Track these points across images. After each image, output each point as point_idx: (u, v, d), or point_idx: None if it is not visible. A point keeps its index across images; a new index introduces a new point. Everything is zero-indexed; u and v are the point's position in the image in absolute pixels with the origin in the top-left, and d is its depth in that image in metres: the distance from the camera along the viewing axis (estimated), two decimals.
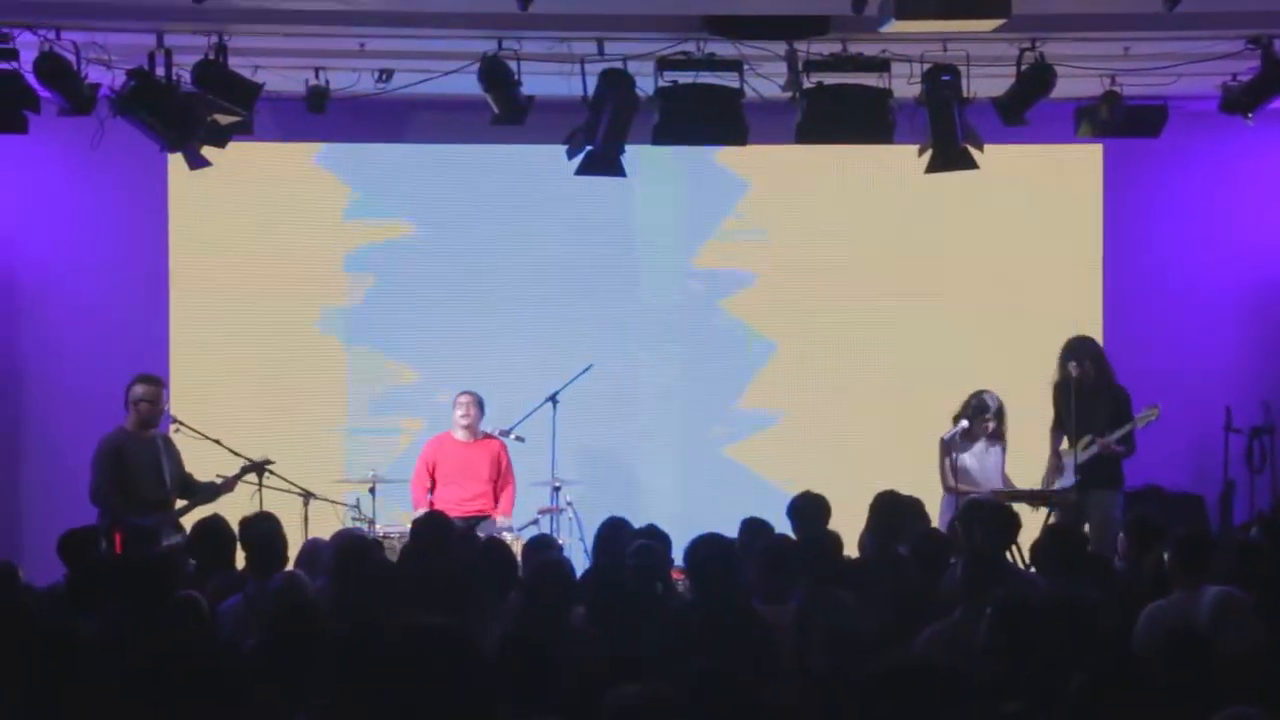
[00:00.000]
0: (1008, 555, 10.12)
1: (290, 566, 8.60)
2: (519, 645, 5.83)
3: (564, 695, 5.90)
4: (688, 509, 12.50)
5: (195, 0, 8.23)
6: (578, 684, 6.12)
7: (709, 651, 6.51)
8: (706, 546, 7.77)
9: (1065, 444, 11.49)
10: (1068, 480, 11.28)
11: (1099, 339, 12.62)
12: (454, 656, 4.84)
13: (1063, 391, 11.54)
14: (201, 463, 10.87)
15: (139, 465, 10.38)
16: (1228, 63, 10.43)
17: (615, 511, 9.41)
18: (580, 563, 10.95)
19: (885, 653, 6.20)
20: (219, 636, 7.53)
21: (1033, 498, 11.15)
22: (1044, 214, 12.88)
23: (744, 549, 8.18)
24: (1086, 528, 11.01)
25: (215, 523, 8.98)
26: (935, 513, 10.54)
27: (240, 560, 8.67)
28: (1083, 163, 12.80)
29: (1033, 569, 8.74)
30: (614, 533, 8.82)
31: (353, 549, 8.29)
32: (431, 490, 11.51)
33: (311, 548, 8.88)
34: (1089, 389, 11.30)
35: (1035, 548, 8.83)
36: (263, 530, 8.58)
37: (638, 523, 9.01)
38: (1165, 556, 7.96)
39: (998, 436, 11.37)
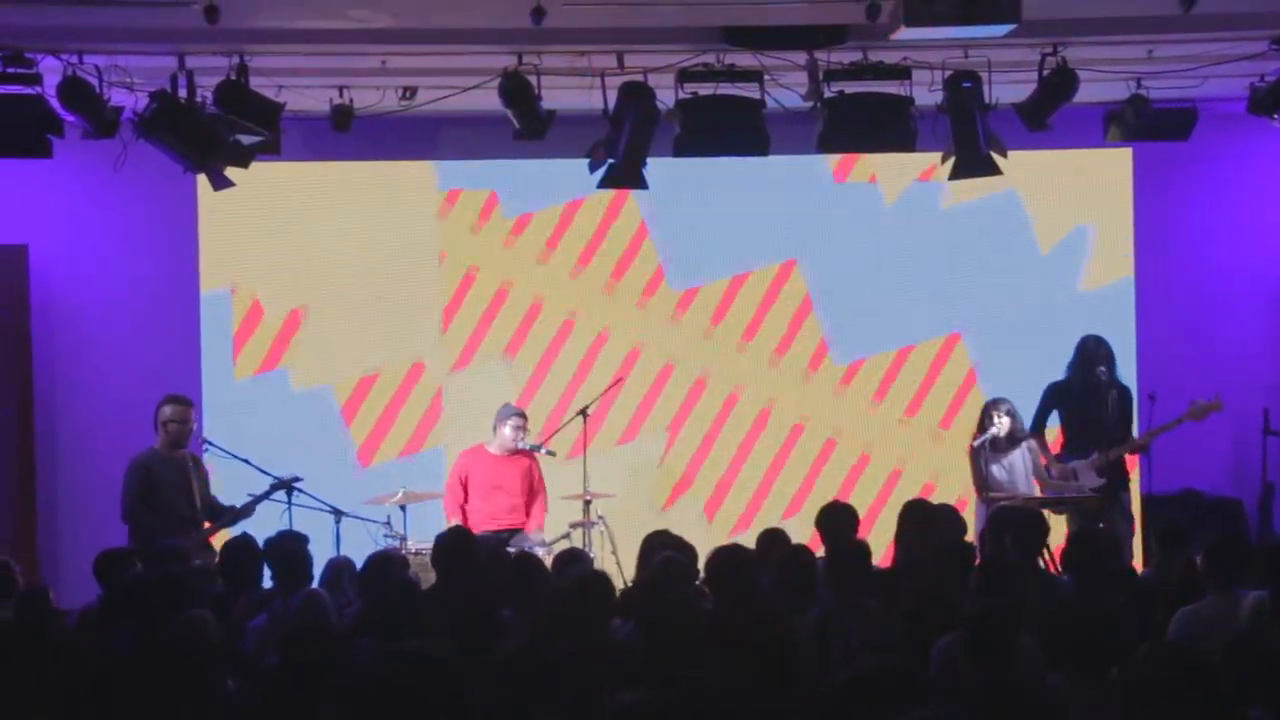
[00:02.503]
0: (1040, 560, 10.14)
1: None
2: (531, 658, 5.83)
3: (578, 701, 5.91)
4: (719, 521, 12.54)
5: (209, 21, 8.27)
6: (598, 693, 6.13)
7: (728, 662, 6.49)
8: (725, 557, 7.78)
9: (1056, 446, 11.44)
10: (1088, 482, 11.18)
11: (1132, 343, 12.59)
12: (435, 686, 4.84)
13: (1065, 394, 11.43)
14: (232, 483, 10.96)
15: (168, 484, 10.46)
16: (1256, 63, 10.36)
17: (645, 524, 9.43)
18: (614, 576, 10.99)
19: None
20: (238, 654, 7.58)
21: (1059, 504, 11.08)
22: (1074, 218, 12.82)
23: (761, 559, 8.17)
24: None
25: (242, 541, 9.04)
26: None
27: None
28: (1113, 167, 12.72)
29: (1063, 574, 8.70)
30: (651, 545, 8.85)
31: (376, 567, 8.33)
32: (465, 503, 11.52)
33: (334, 567, 8.91)
34: (1103, 389, 11.22)
35: (1063, 553, 8.79)
36: (287, 548, 8.64)
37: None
38: (1196, 561, 7.91)
39: (1015, 437, 11.25)
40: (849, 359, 12.80)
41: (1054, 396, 11.51)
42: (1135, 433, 11.53)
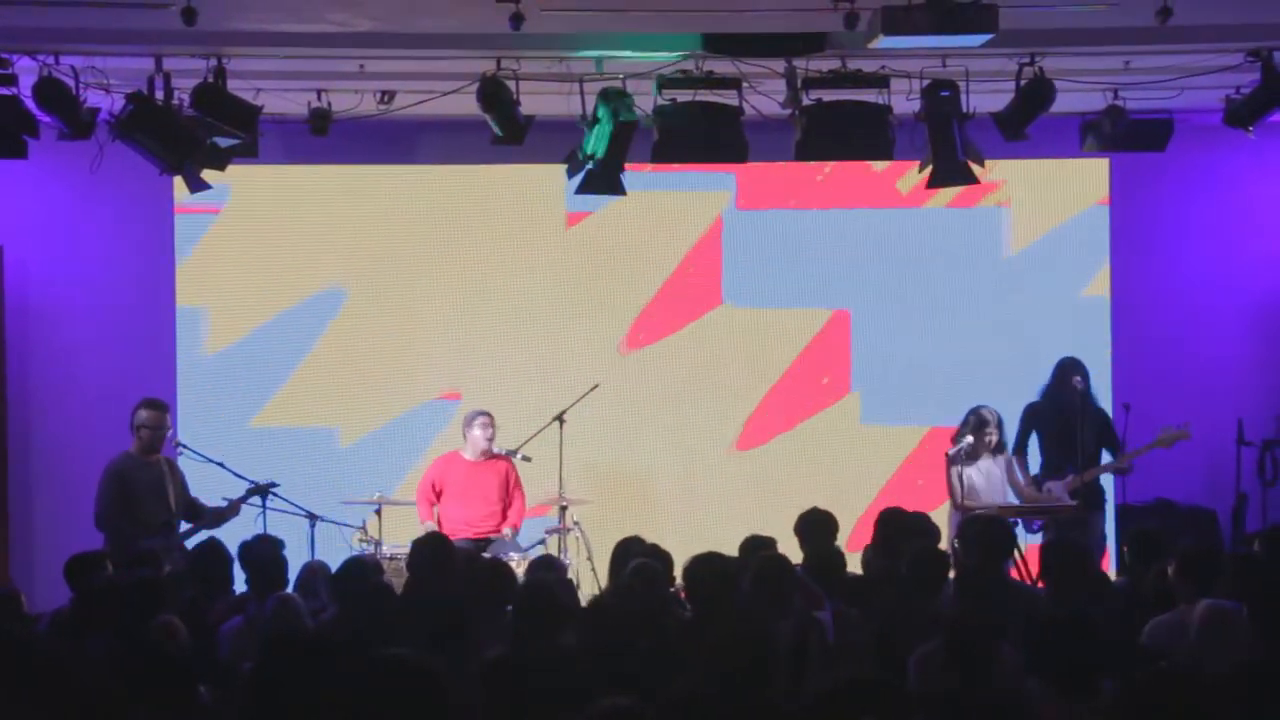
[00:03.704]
0: (1015, 571, 10.16)
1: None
2: (504, 667, 5.81)
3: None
4: (697, 527, 12.51)
5: (186, 24, 8.24)
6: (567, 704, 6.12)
7: (707, 669, 6.49)
8: (704, 564, 7.77)
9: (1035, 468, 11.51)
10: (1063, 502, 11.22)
11: (1107, 354, 12.63)
12: (420, 692, 4.83)
13: (1041, 415, 11.48)
14: (207, 486, 10.93)
15: (143, 489, 10.42)
16: (1232, 76, 10.39)
17: (623, 530, 9.42)
18: (589, 582, 10.98)
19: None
20: (213, 659, 7.56)
21: (1037, 514, 11.10)
22: (1050, 228, 12.86)
23: (744, 566, 8.16)
24: None
25: (213, 545, 9.01)
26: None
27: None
28: (1089, 176, 12.77)
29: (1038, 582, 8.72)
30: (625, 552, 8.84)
31: (350, 572, 8.31)
32: (436, 504, 11.51)
33: (309, 571, 8.89)
34: (1079, 411, 11.26)
35: (1040, 563, 8.81)
36: (261, 553, 8.62)
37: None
38: (1168, 570, 7.94)
39: (1000, 448, 11.30)
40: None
41: (1032, 418, 11.56)
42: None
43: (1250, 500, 12.44)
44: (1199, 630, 7.01)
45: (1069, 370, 11.40)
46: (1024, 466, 11.42)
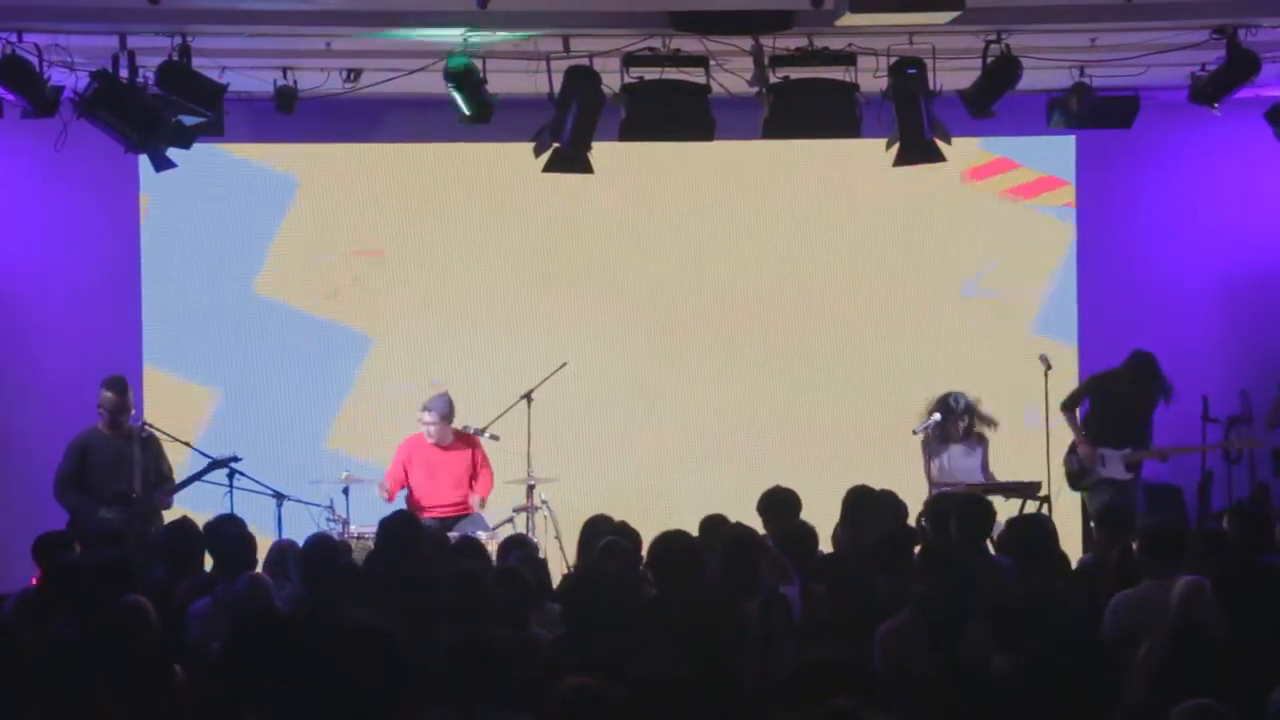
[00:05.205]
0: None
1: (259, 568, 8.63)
2: (468, 646, 5.82)
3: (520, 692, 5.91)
4: (664, 505, 12.53)
5: (151, 1, 8.21)
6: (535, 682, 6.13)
7: (673, 647, 6.52)
8: (669, 543, 7.78)
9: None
10: (1115, 473, 11.52)
11: (1074, 330, 12.69)
12: (377, 659, 4.85)
13: (1109, 388, 11.69)
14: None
15: (104, 463, 10.53)
16: (1198, 53, 10.42)
17: (591, 509, 9.43)
18: (556, 560, 10.99)
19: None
20: (181, 639, 7.55)
21: (1005, 491, 11.15)
22: (1016, 206, 12.90)
23: (705, 545, 8.17)
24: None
25: (183, 525, 9.01)
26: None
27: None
28: (1055, 154, 12.80)
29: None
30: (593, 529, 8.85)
31: (318, 552, 8.30)
32: (406, 487, 11.50)
33: (278, 550, 8.87)
34: (1151, 398, 11.62)
35: (1000, 537, 8.86)
36: (229, 533, 8.61)
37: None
38: (1133, 547, 7.98)
39: (976, 436, 11.37)
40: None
41: (1097, 385, 11.77)
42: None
43: (1215, 478, 12.48)
44: (1179, 607, 7.03)
45: (1151, 368, 11.62)
46: (1072, 421, 11.66)
